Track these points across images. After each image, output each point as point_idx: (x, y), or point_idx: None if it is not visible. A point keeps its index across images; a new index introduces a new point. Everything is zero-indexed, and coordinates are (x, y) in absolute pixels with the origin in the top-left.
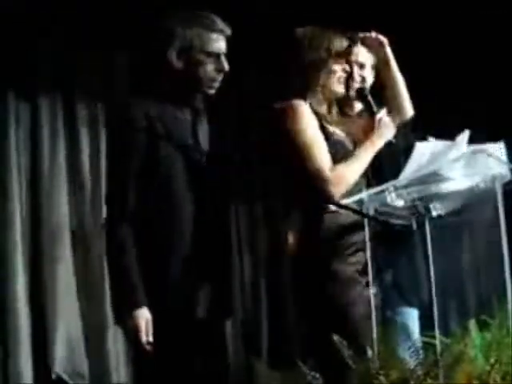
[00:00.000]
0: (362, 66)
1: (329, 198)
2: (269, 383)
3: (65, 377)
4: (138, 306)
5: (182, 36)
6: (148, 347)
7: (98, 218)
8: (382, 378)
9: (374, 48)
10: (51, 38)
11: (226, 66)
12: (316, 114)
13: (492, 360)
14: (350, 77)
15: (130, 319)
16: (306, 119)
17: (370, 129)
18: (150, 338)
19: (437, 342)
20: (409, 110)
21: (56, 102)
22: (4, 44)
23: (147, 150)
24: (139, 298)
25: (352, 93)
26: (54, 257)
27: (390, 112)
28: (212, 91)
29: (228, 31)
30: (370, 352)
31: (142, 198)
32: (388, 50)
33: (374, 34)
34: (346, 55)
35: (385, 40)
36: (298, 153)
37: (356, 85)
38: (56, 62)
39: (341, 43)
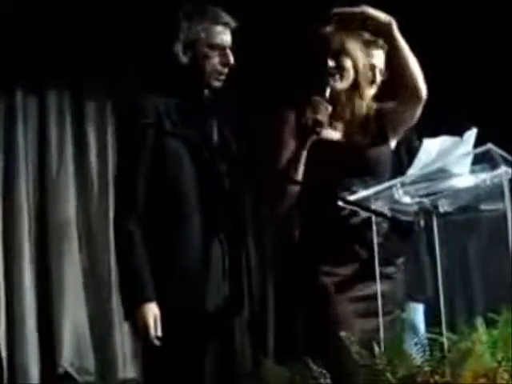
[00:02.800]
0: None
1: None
2: (277, 381)
3: (71, 371)
4: (146, 300)
5: (188, 30)
6: (156, 342)
7: (105, 214)
8: (388, 374)
9: (379, 31)
10: (58, 35)
11: (232, 59)
12: (300, 118)
13: (499, 357)
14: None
15: (138, 314)
16: (278, 129)
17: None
18: (159, 333)
19: (444, 338)
20: (423, 90)
21: (63, 99)
22: (11, 42)
23: (155, 145)
24: (147, 292)
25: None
26: (61, 253)
27: (405, 98)
28: (218, 84)
29: (233, 24)
30: (376, 349)
31: (150, 192)
32: (395, 30)
33: (377, 14)
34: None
35: (391, 20)
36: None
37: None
38: (63, 60)
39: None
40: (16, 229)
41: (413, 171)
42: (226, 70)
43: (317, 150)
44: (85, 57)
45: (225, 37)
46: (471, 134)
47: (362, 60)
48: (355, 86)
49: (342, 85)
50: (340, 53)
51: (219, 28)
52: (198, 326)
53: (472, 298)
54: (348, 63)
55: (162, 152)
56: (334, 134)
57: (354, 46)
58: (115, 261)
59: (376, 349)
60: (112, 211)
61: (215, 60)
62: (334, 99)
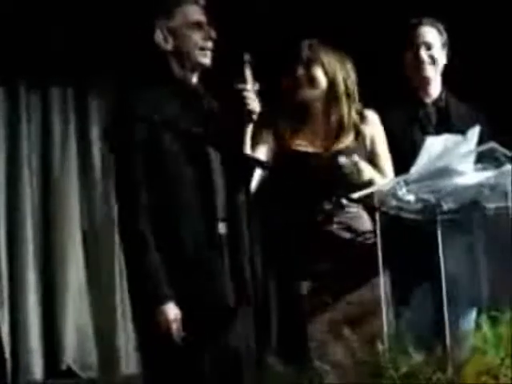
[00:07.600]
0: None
1: None
2: (281, 378)
3: (74, 367)
4: (165, 301)
5: (165, 16)
6: (180, 343)
7: (109, 212)
8: (391, 371)
9: None
10: (61, 30)
11: (214, 33)
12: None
13: (502, 355)
14: None
15: (159, 316)
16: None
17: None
18: (181, 333)
19: (447, 336)
20: None
21: (67, 96)
22: (14, 38)
23: (149, 140)
24: (165, 293)
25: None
26: (65, 250)
27: None
28: (207, 61)
29: (202, 1)
30: (380, 346)
31: (151, 188)
32: None
33: None
34: None
35: None
36: None
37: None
38: (67, 56)
39: None
40: (20, 228)
41: (416, 169)
42: (209, 45)
43: (295, 162)
44: (89, 53)
45: (198, 14)
46: (474, 132)
47: (339, 72)
48: (334, 98)
49: (311, 93)
50: (311, 62)
51: (192, 7)
52: (201, 321)
53: (477, 296)
54: (318, 73)
55: (157, 147)
56: (311, 146)
57: (330, 59)
58: (125, 262)
59: (379, 346)
60: (116, 210)
61: (196, 37)
62: (311, 108)
